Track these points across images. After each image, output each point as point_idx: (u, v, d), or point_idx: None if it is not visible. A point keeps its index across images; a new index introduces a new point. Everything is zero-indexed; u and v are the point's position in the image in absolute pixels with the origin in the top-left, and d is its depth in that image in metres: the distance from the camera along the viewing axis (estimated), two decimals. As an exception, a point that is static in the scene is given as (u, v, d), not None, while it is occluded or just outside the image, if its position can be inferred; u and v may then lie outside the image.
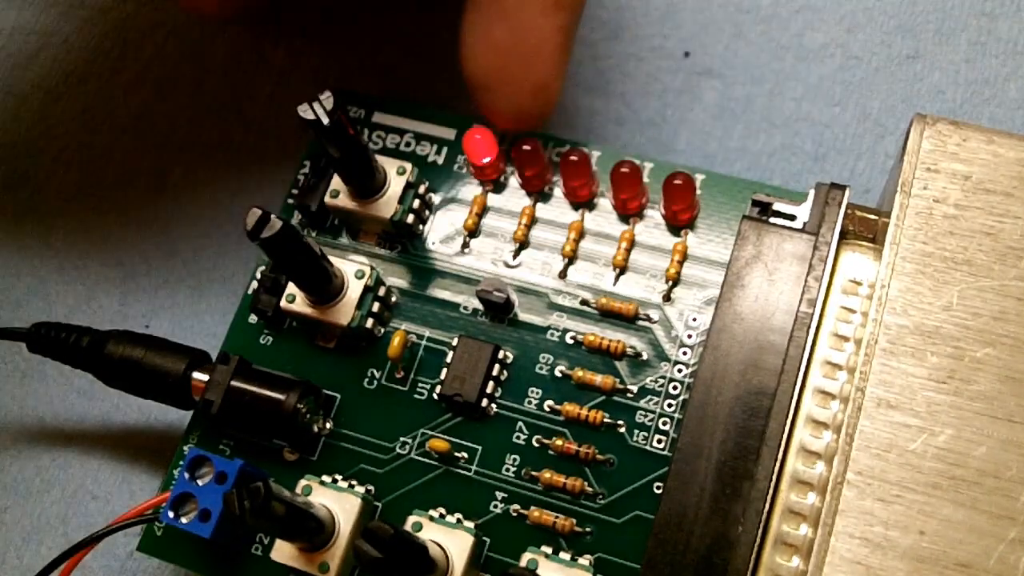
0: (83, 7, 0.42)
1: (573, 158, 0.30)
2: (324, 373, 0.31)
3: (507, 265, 0.31)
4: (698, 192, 0.31)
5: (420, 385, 0.30)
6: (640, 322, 0.30)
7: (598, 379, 0.29)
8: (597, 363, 0.29)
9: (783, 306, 0.25)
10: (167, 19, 0.41)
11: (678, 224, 0.30)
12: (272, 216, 0.26)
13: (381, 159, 0.31)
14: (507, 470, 0.29)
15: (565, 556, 0.27)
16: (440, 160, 0.33)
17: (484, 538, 0.28)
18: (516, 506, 0.28)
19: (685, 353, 0.29)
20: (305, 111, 0.28)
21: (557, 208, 0.32)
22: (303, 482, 0.28)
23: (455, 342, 0.30)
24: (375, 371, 0.30)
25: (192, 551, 0.30)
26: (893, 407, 0.22)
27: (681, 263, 0.30)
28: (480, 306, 0.31)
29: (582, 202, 0.31)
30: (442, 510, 0.28)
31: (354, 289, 0.30)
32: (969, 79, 0.35)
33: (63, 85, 0.41)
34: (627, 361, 0.29)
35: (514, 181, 0.32)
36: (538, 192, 0.32)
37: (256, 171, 0.38)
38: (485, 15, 0.28)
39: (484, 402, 0.29)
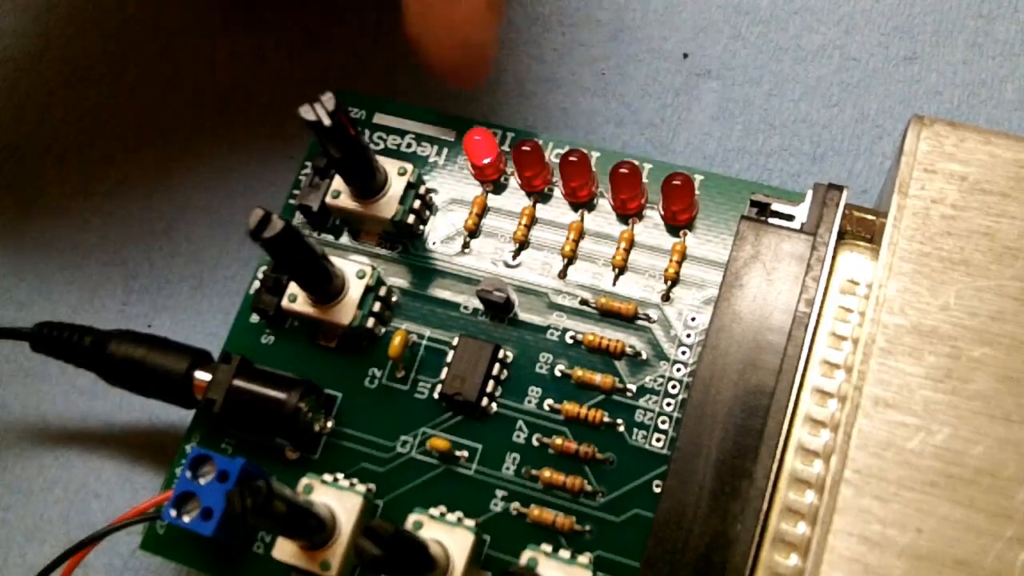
0: (85, 9, 0.42)
1: (573, 158, 0.30)
2: (325, 372, 0.31)
3: (507, 265, 0.31)
4: (697, 192, 0.31)
5: (421, 384, 0.30)
6: (639, 322, 0.30)
7: (598, 378, 0.29)
8: (597, 362, 0.30)
9: (781, 306, 0.25)
10: (168, 21, 0.41)
11: (677, 224, 0.31)
12: (274, 216, 0.27)
13: (382, 160, 0.31)
14: (507, 469, 0.29)
15: (565, 554, 0.27)
16: (440, 161, 0.33)
17: (484, 536, 0.28)
18: (516, 504, 0.28)
19: (684, 352, 0.29)
20: (306, 112, 0.28)
21: (557, 208, 0.32)
22: (304, 481, 0.28)
23: (455, 342, 0.30)
24: (376, 370, 0.31)
25: (194, 550, 0.30)
26: (891, 406, 0.22)
27: (680, 263, 0.30)
28: (480, 306, 0.31)
29: (582, 202, 0.31)
30: (443, 508, 0.28)
31: (355, 289, 0.30)
32: (966, 80, 0.35)
33: (65, 86, 0.41)
34: (626, 360, 0.29)
35: (514, 181, 0.32)
36: (538, 192, 0.32)
37: (257, 171, 0.38)
38: (417, 13, 0.29)
39: (484, 401, 0.29)
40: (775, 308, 0.25)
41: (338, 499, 0.28)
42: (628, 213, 0.31)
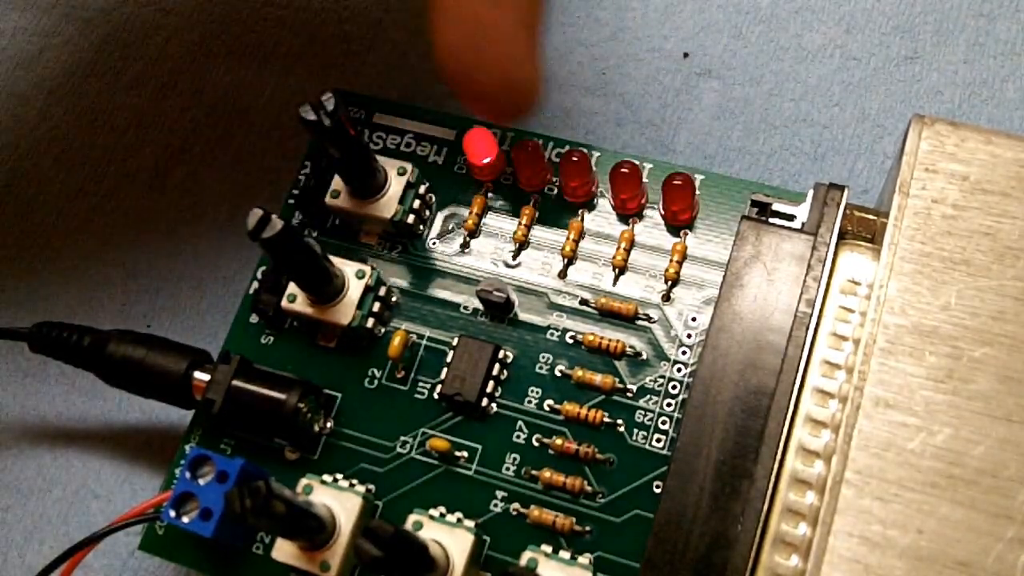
0: (85, 9, 0.42)
1: (573, 158, 0.30)
2: (325, 373, 0.31)
3: (507, 265, 0.31)
4: (697, 192, 0.31)
5: (420, 384, 0.30)
6: (639, 322, 0.30)
7: (598, 379, 0.29)
8: (597, 363, 0.29)
9: (782, 306, 0.25)
10: (168, 21, 0.41)
11: (677, 224, 0.31)
12: (273, 216, 0.27)
13: (382, 159, 0.31)
14: (507, 469, 0.29)
15: (565, 555, 0.27)
16: (440, 160, 0.33)
17: (484, 537, 0.28)
18: (516, 505, 0.28)
19: (684, 353, 0.29)
20: (306, 112, 0.28)
21: (557, 208, 0.32)
22: (304, 481, 0.28)
23: (455, 342, 0.30)
24: (376, 371, 0.31)
25: (193, 550, 0.30)
26: (891, 406, 0.22)
27: (680, 263, 0.30)
28: (480, 306, 0.31)
29: (582, 202, 0.31)
30: (442, 509, 0.28)
31: (355, 289, 0.30)
32: (967, 80, 0.35)
33: (65, 86, 0.41)
34: (626, 361, 0.29)
35: (514, 181, 0.32)
36: (538, 192, 0.32)
37: (257, 171, 0.38)
38: (443, 17, 0.26)
39: (484, 401, 0.29)
40: (776, 308, 0.25)
41: (338, 499, 0.28)
42: (628, 213, 0.31)
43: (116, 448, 0.35)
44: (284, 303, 0.30)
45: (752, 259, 0.26)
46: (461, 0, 0.25)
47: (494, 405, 0.29)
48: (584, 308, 0.30)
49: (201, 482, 0.28)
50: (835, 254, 0.26)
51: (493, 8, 0.25)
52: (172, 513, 0.27)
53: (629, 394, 0.29)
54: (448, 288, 0.31)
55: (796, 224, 0.27)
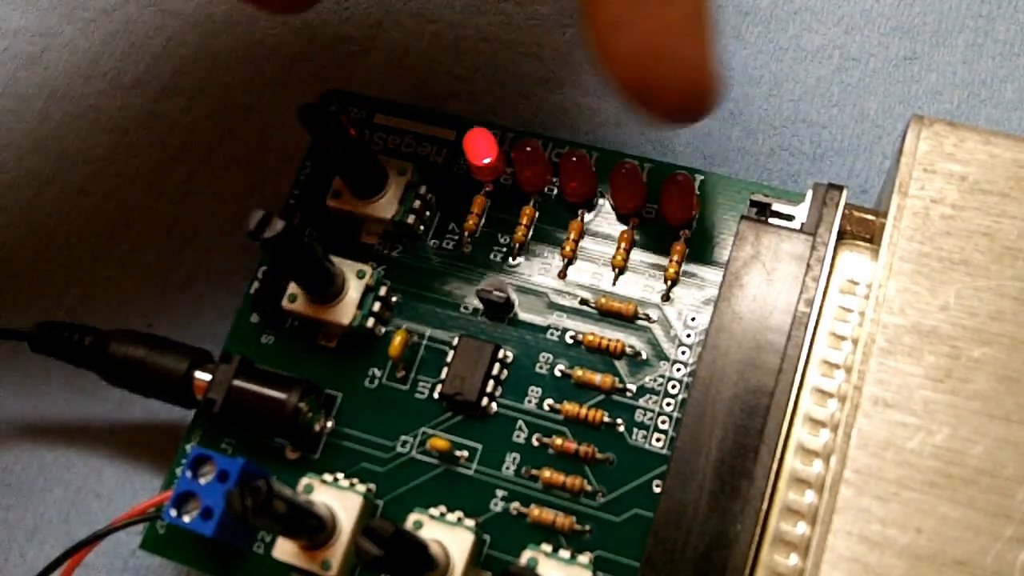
0: (86, 9, 0.42)
1: (573, 158, 0.30)
2: (325, 372, 0.31)
3: (507, 265, 0.31)
4: (697, 192, 0.31)
5: (421, 384, 0.30)
6: (639, 321, 0.30)
7: (597, 378, 0.29)
8: (596, 362, 0.30)
9: (781, 306, 0.25)
10: (169, 21, 0.41)
11: (677, 224, 0.31)
12: (274, 216, 0.27)
13: (382, 160, 0.31)
14: (507, 468, 0.29)
15: (565, 554, 0.27)
16: (440, 161, 0.33)
17: (484, 536, 0.28)
18: (516, 504, 0.28)
19: (684, 352, 0.29)
20: (306, 113, 0.28)
21: (557, 208, 0.32)
22: (304, 481, 0.28)
23: (455, 341, 0.30)
24: (376, 370, 0.31)
25: (194, 549, 0.30)
26: (890, 406, 0.22)
27: (680, 263, 0.30)
28: (480, 306, 0.31)
29: (582, 202, 0.31)
30: (443, 508, 0.28)
31: (355, 289, 0.30)
32: (966, 80, 0.35)
33: (66, 86, 0.41)
34: (626, 360, 0.29)
35: (514, 181, 0.32)
36: (538, 192, 0.32)
37: (257, 171, 0.38)
38: (607, 25, 0.23)
39: (484, 401, 0.29)
40: (775, 308, 0.25)
41: (338, 499, 0.28)
42: (628, 213, 0.31)
43: (117, 448, 0.35)
44: (284, 303, 0.30)
45: (751, 259, 0.26)
46: (625, 5, 0.22)
47: (494, 405, 0.30)
48: (584, 308, 0.30)
49: (202, 481, 0.28)
50: (834, 254, 0.26)
51: (663, 7, 0.22)
52: (173, 512, 0.27)
53: (629, 394, 0.29)
54: (448, 288, 0.31)
55: (795, 224, 0.27)
